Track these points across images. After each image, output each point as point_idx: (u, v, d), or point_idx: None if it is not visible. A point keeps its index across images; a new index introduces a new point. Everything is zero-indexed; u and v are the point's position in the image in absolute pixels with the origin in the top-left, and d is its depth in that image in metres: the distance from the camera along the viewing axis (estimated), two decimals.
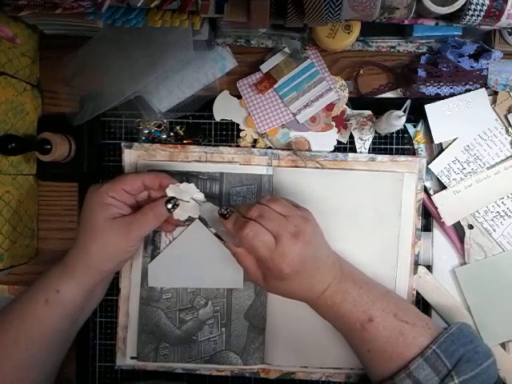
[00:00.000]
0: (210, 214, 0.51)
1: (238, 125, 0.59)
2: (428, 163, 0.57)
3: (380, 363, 0.48)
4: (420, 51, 0.58)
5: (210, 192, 0.58)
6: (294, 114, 0.58)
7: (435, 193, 0.57)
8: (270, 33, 0.57)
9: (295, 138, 0.59)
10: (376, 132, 0.59)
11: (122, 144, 0.58)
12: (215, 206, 0.51)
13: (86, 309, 0.55)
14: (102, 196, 0.50)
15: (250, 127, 0.59)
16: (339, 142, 0.59)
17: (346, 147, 0.59)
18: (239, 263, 0.50)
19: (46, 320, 0.50)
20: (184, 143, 0.59)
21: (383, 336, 0.47)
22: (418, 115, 0.58)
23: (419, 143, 0.58)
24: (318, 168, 0.58)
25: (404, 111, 0.51)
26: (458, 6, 0.49)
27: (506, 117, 0.56)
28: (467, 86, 0.57)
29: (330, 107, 0.58)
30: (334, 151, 0.59)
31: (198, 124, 0.60)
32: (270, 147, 0.59)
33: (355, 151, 0.59)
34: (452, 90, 0.57)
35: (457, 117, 0.57)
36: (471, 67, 0.56)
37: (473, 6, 0.48)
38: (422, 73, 0.56)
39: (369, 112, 0.58)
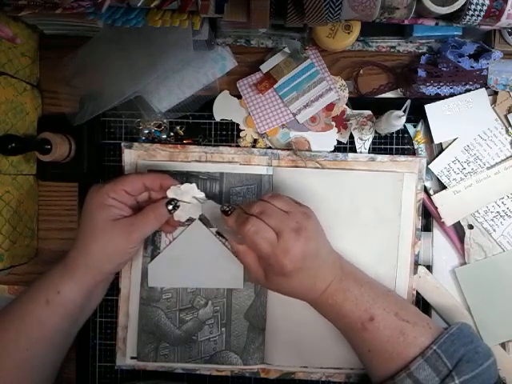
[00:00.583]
0: (212, 211, 0.51)
1: (238, 125, 0.59)
2: (428, 163, 0.57)
3: (380, 363, 0.48)
4: (420, 51, 0.58)
5: (210, 192, 0.58)
6: (294, 114, 0.58)
7: (435, 193, 0.57)
8: (270, 33, 0.57)
9: (295, 138, 0.59)
10: (376, 132, 0.59)
11: (122, 144, 0.58)
12: (217, 204, 0.51)
13: (86, 309, 0.54)
14: (102, 197, 0.50)
15: (250, 127, 0.59)
16: (339, 142, 0.59)
17: (346, 147, 0.59)
18: (241, 261, 0.50)
19: (47, 320, 0.50)
20: (184, 143, 0.59)
21: (384, 335, 0.47)
22: (418, 115, 0.58)
23: (419, 143, 0.58)
24: (317, 168, 0.58)
25: (404, 111, 0.51)
26: (458, 6, 0.49)
27: (506, 117, 0.56)
28: (467, 86, 0.57)
29: (329, 107, 0.58)
30: (334, 151, 0.59)
31: (198, 124, 0.60)
32: (270, 147, 0.59)
33: (355, 151, 0.59)
34: (452, 90, 0.57)
35: (457, 117, 0.57)
36: (471, 67, 0.56)
37: (473, 6, 0.48)
38: (422, 73, 0.56)
39: (369, 112, 0.58)
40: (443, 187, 0.57)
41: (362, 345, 0.49)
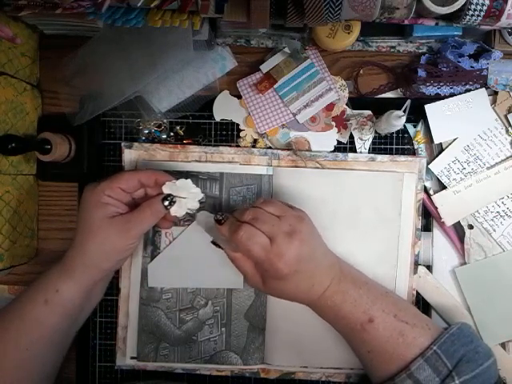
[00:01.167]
0: (207, 221, 0.51)
1: (238, 125, 0.59)
2: (428, 163, 0.57)
3: (380, 364, 0.48)
4: (420, 51, 0.58)
5: (209, 192, 0.58)
6: (294, 114, 0.58)
7: (435, 193, 0.57)
8: (270, 33, 0.57)
9: (295, 138, 0.59)
10: (376, 132, 0.59)
11: (122, 144, 0.58)
12: (211, 214, 0.51)
13: (85, 308, 0.54)
14: (98, 195, 0.49)
15: (250, 127, 0.59)
16: (339, 142, 0.59)
17: (346, 147, 0.59)
18: (238, 268, 0.50)
19: (46, 320, 0.50)
20: (184, 143, 0.59)
21: (383, 336, 0.47)
22: (418, 115, 0.58)
23: (419, 143, 0.58)
24: (318, 168, 0.58)
25: (404, 111, 0.51)
26: (458, 6, 0.49)
27: (506, 117, 0.56)
28: (467, 86, 0.57)
29: (329, 107, 0.58)
30: (334, 151, 0.59)
31: (198, 124, 0.60)
32: (270, 147, 0.59)
33: (355, 151, 0.59)
34: (452, 90, 0.57)
35: (457, 117, 0.57)
36: (471, 67, 0.56)
37: (473, 6, 0.48)
38: (422, 73, 0.56)
39: (369, 112, 0.58)
40: (443, 187, 0.57)
41: (362, 346, 0.49)
